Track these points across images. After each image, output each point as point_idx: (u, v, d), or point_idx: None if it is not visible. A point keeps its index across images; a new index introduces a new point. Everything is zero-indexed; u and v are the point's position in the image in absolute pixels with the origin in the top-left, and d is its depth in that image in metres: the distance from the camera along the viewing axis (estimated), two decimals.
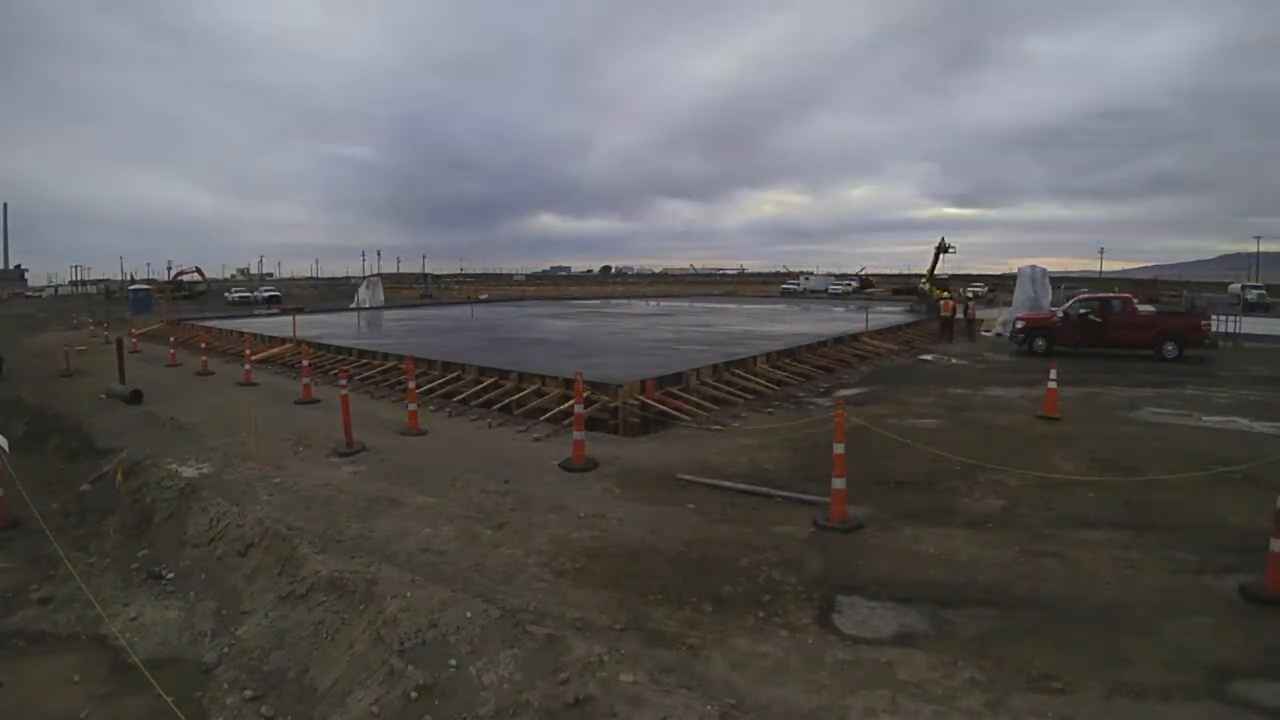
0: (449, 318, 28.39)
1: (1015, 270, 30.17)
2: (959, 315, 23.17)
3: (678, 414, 10.49)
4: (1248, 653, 4.12)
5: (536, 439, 9.57)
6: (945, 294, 27.37)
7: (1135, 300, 18.90)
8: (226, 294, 53.92)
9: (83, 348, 20.41)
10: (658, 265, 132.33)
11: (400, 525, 6.32)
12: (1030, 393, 11.96)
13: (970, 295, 33.37)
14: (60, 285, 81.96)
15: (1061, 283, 39.20)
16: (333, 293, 63.30)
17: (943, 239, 42.05)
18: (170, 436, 9.78)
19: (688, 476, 7.60)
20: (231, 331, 22.37)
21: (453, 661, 4.25)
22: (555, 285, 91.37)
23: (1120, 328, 17.21)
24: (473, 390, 12.12)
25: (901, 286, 62.31)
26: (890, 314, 29.15)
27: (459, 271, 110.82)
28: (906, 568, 5.32)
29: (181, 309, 39.42)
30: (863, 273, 74.56)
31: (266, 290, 54.92)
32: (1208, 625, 4.42)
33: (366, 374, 14.43)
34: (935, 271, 44.80)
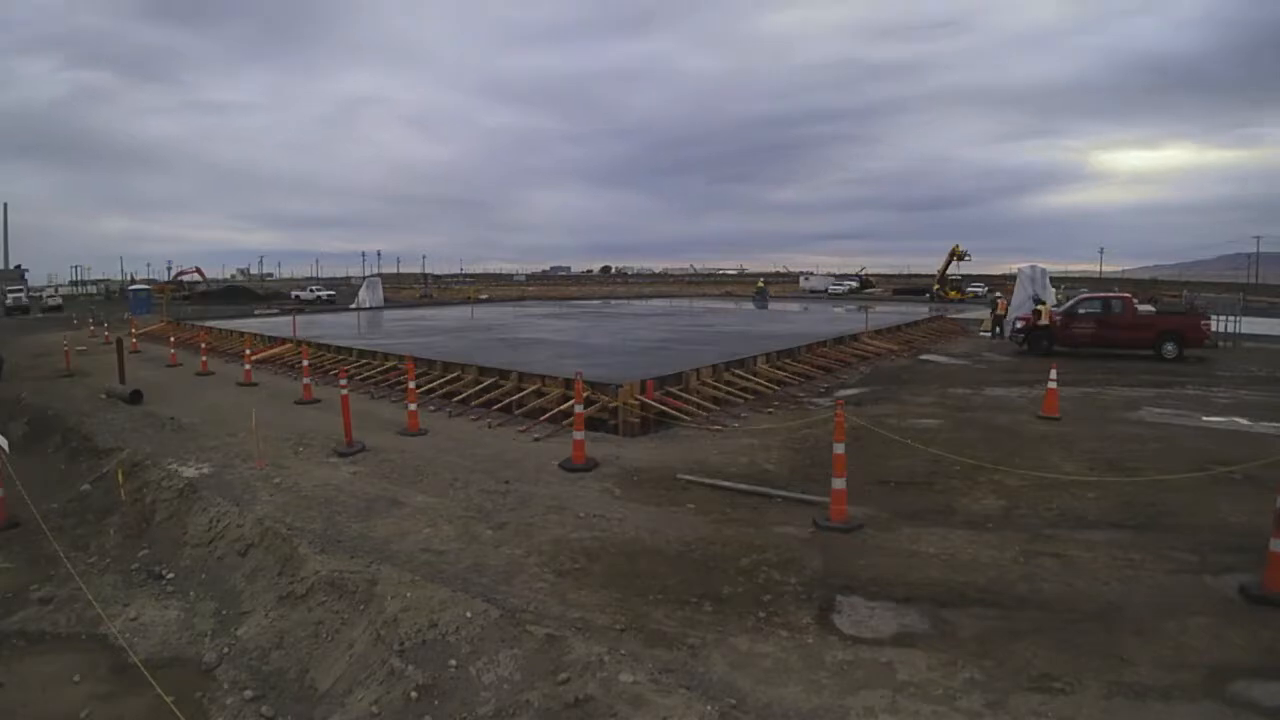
0: (449, 318, 28.39)
1: (1015, 270, 30.20)
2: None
3: (678, 414, 10.49)
4: (1248, 653, 4.12)
5: (536, 439, 9.57)
6: (956, 293, 27.55)
7: (1135, 300, 18.91)
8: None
9: (83, 348, 20.41)
10: (658, 265, 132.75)
11: (400, 525, 6.32)
12: (1030, 393, 11.96)
13: (999, 295, 33.42)
14: (60, 285, 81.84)
15: (1061, 283, 39.25)
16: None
17: (957, 246, 42.62)
18: (170, 436, 9.79)
19: (688, 476, 7.60)
20: (231, 332, 22.36)
21: (453, 661, 4.25)
22: (555, 285, 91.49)
23: (1120, 328, 17.21)
24: (473, 390, 12.12)
25: (903, 287, 62.49)
26: (890, 314, 29.14)
27: (459, 272, 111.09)
28: (906, 568, 5.32)
29: (189, 308, 39.45)
30: (863, 273, 74.69)
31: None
32: (1208, 625, 4.42)
33: (366, 374, 14.42)
34: (947, 273, 45.22)
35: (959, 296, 43.44)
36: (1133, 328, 17.15)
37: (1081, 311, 17.72)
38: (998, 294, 27.53)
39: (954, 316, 30.02)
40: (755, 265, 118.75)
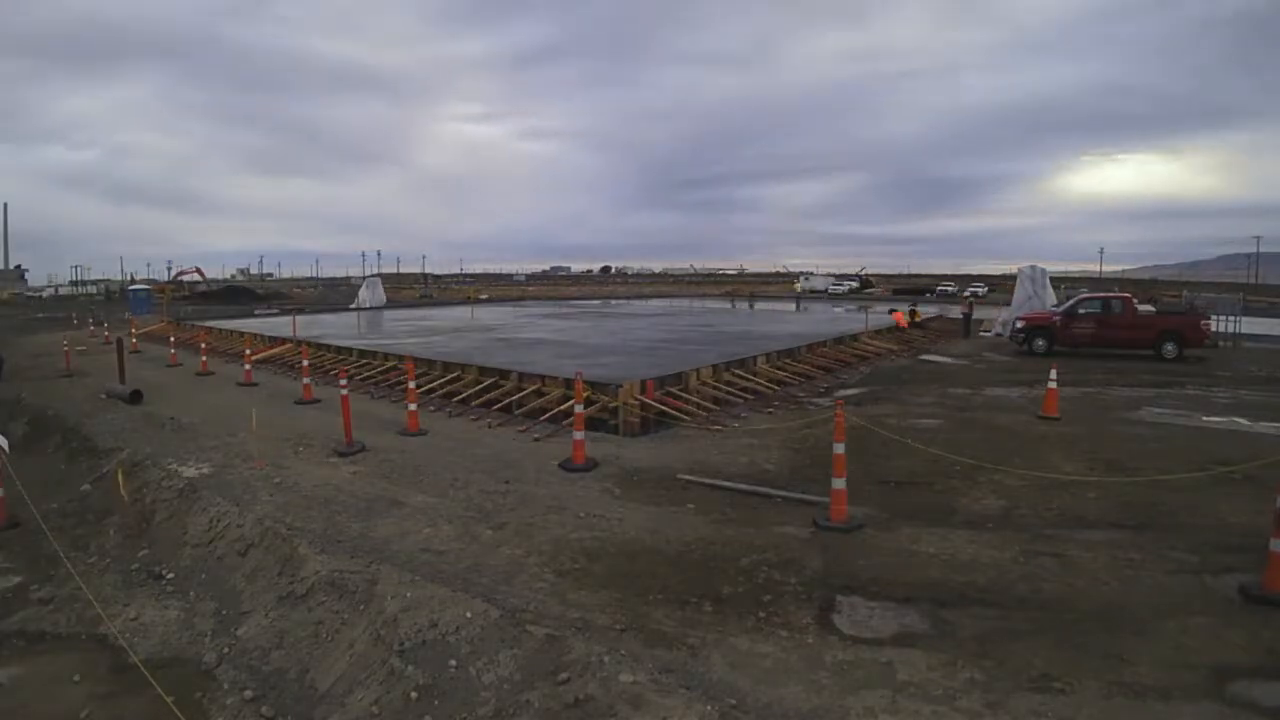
0: (449, 318, 28.38)
1: (1015, 270, 30.22)
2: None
3: (678, 414, 10.49)
4: (1248, 653, 4.12)
5: (536, 439, 9.57)
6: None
7: (1135, 300, 18.91)
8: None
9: (83, 348, 20.40)
10: (658, 265, 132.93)
11: (400, 525, 6.32)
12: (1030, 393, 11.96)
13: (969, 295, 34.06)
14: (60, 285, 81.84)
15: (1062, 283, 39.29)
16: (332, 293, 63.38)
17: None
18: (170, 436, 9.78)
19: (688, 476, 7.60)
20: (231, 332, 22.37)
21: (453, 661, 4.25)
22: (555, 285, 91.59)
23: (1120, 328, 17.21)
24: (473, 390, 12.12)
25: (903, 287, 62.57)
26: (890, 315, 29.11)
27: (459, 272, 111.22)
28: (906, 568, 5.32)
29: (186, 308, 39.47)
30: (862, 273, 74.81)
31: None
32: (1208, 625, 4.42)
33: (366, 374, 14.42)
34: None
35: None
36: (1133, 328, 17.15)
37: (1081, 311, 17.71)
38: (969, 293, 28.27)
39: (954, 316, 30.04)
40: (755, 265, 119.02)
